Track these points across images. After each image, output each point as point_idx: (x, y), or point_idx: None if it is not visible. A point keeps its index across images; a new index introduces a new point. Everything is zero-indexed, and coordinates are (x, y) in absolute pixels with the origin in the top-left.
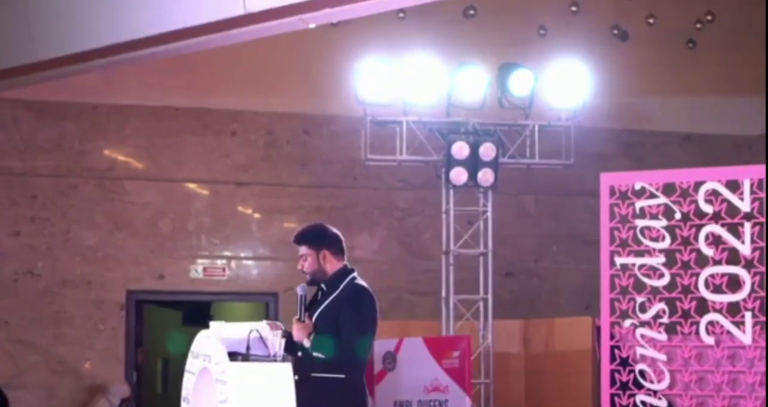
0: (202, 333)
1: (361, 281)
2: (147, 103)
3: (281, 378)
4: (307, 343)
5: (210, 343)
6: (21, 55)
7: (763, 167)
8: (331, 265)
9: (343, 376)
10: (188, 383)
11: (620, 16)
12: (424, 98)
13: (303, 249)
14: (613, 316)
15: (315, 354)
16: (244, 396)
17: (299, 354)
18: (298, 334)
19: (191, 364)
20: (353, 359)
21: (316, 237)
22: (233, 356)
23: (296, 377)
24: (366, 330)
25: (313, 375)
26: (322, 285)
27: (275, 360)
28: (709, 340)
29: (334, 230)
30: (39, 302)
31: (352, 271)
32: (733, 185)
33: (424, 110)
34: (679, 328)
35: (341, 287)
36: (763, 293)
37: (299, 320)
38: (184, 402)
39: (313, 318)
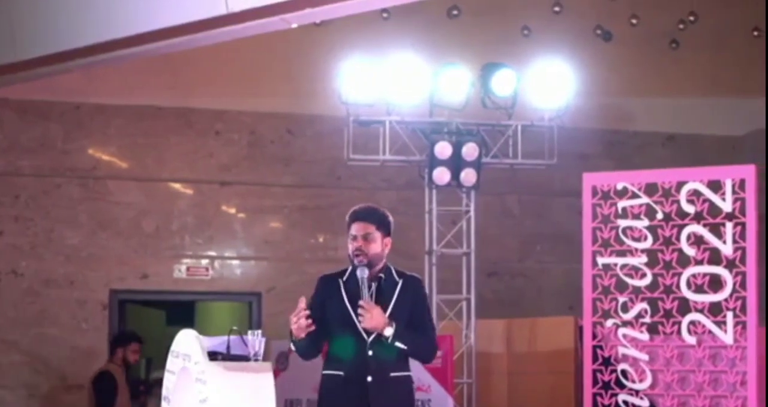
0: (183, 332)
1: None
2: (130, 102)
3: (261, 378)
4: (389, 331)
5: (190, 342)
6: (3, 55)
7: (745, 167)
8: (385, 255)
9: (411, 374)
10: (169, 382)
11: (603, 17)
12: (407, 98)
13: (369, 228)
14: (596, 316)
15: (397, 344)
16: (224, 395)
17: (370, 352)
18: (374, 321)
19: (172, 364)
20: (435, 354)
21: (387, 221)
22: (213, 355)
23: (369, 379)
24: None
25: (393, 374)
26: (381, 276)
27: (256, 360)
28: (690, 340)
29: None
30: (22, 302)
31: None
32: (715, 186)
33: (407, 110)
34: (661, 328)
35: (397, 278)
36: (744, 294)
37: (370, 304)
38: (165, 402)
39: (389, 310)
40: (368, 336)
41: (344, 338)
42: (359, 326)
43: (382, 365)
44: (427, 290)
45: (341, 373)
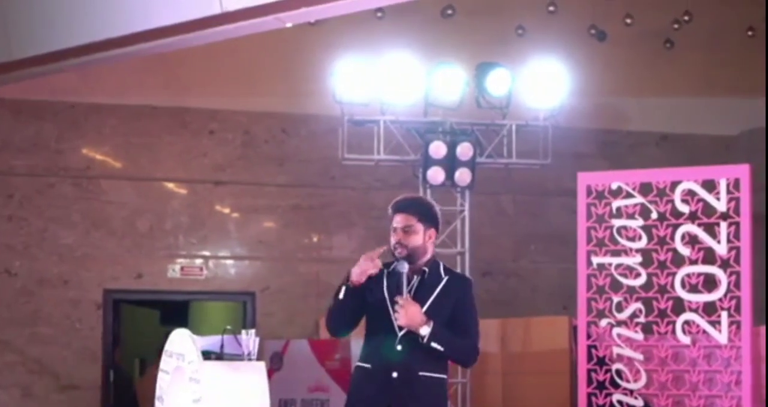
0: (177, 331)
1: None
2: (124, 102)
3: (255, 377)
4: (425, 330)
5: (184, 342)
6: None
7: (739, 166)
8: (430, 248)
9: (445, 376)
10: (162, 382)
11: (598, 16)
12: (402, 98)
13: (409, 220)
14: (590, 316)
15: (433, 344)
16: (217, 395)
17: (399, 348)
18: (410, 318)
19: (165, 363)
20: (477, 358)
21: (431, 212)
22: (207, 355)
23: (394, 374)
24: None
25: (422, 373)
26: (425, 270)
27: (249, 359)
28: (685, 340)
29: None
30: (16, 302)
31: (438, 259)
32: (710, 185)
33: (401, 110)
34: (655, 328)
35: (444, 274)
36: (739, 293)
37: (407, 299)
38: (159, 401)
39: (426, 307)
40: (400, 332)
41: (378, 330)
42: (394, 321)
43: (411, 362)
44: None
45: (369, 366)
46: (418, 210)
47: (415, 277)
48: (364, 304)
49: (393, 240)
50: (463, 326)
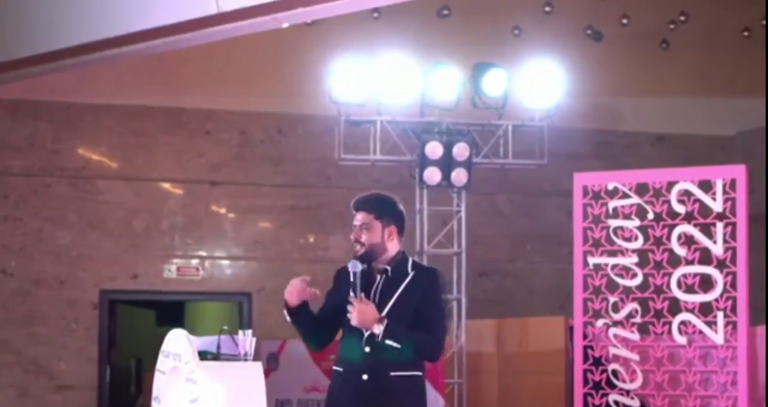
0: (173, 332)
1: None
2: (121, 102)
3: (252, 377)
4: (376, 329)
5: (180, 342)
6: None
7: (735, 167)
8: (392, 245)
9: (421, 374)
10: (159, 382)
11: (594, 17)
12: (398, 98)
13: (365, 217)
14: (586, 316)
15: (388, 342)
16: (214, 395)
17: (367, 349)
18: (363, 318)
19: (162, 363)
20: (441, 353)
21: (388, 208)
22: (203, 355)
23: (365, 377)
24: (446, 321)
25: (393, 373)
26: (387, 268)
27: (246, 360)
28: (681, 340)
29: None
30: (12, 302)
31: (408, 254)
32: (706, 186)
33: (397, 110)
34: (651, 328)
35: (410, 270)
36: (735, 294)
37: (358, 299)
38: (155, 402)
39: (388, 306)
40: (366, 333)
41: (347, 333)
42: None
43: (381, 363)
44: (442, 284)
45: (341, 370)
46: (375, 207)
47: (379, 276)
48: (335, 318)
49: (351, 238)
50: (426, 320)
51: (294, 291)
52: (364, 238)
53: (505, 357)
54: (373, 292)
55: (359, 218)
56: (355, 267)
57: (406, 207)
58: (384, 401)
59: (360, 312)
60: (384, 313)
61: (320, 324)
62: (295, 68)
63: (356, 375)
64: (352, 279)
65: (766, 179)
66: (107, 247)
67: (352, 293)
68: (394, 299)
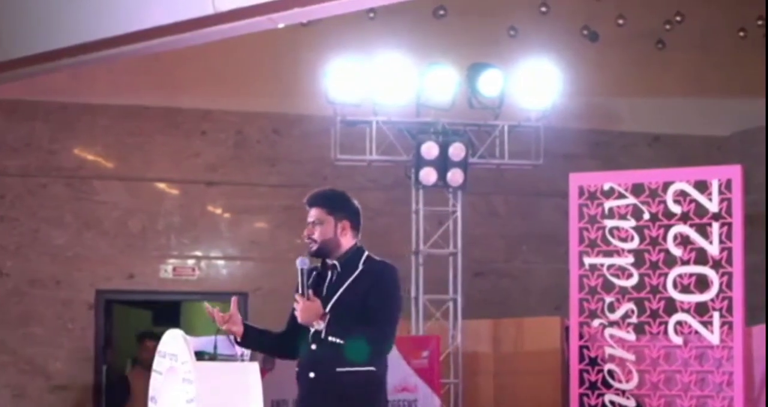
0: (169, 332)
1: (380, 258)
2: (117, 102)
3: (248, 378)
4: (318, 326)
5: (177, 342)
6: None
7: (731, 167)
8: (346, 240)
9: (374, 369)
10: (156, 382)
11: (590, 17)
12: (394, 98)
13: (318, 213)
14: (582, 316)
15: (330, 339)
16: (211, 395)
17: (313, 347)
18: (306, 315)
19: (159, 364)
20: (387, 347)
21: (339, 203)
22: (200, 355)
23: (312, 375)
24: (398, 313)
25: (339, 370)
26: (336, 263)
27: (242, 360)
28: (677, 340)
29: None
30: (7, 302)
31: (364, 249)
32: (702, 186)
33: (393, 110)
34: (647, 328)
35: (361, 265)
36: (730, 294)
37: (304, 297)
38: (152, 402)
39: (332, 302)
40: (312, 330)
41: (303, 333)
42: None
43: (327, 360)
44: (397, 279)
45: (297, 369)
46: (325, 202)
47: (331, 271)
48: (281, 332)
49: (304, 235)
50: (372, 313)
51: (222, 321)
52: (316, 234)
53: (501, 358)
54: (324, 288)
55: (312, 214)
56: (303, 264)
57: (402, 207)
58: (331, 398)
59: (303, 309)
60: (328, 309)
61: (286, 334)
62: (291, 68)
63: (305, 374)
64: (299, 277)
65: (767, 179)
66: (103, 247)
67: (300, 291)
68: (338, 295)
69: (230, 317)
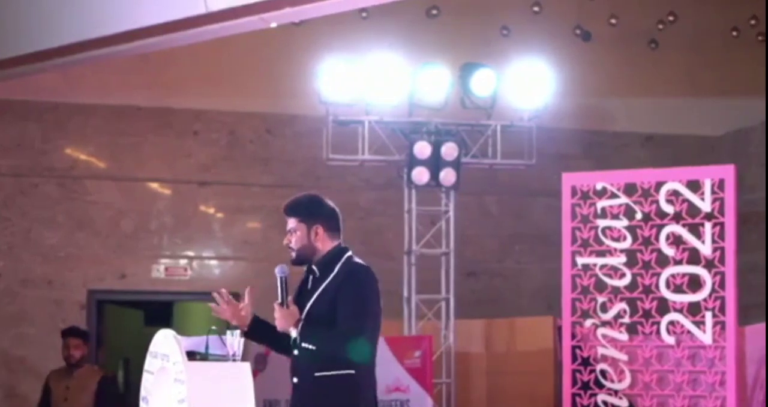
0: (161, 332)
1: (358, 260)
2: (109, 102)
3: (240, 378)
4: (293, 333)
5: (168, 343)
6: None
7: (724, 167)
8: (323, 244)
9: (353, 372)
10: (147, 383)
11: (583, 17)
12: (387, 98)
13: (292, 222)
14: (575, 316)
15: (304, 345)
16: (202, 395)
17: (295, 352)
18: (282, 322)
19: (150, 364)
20: (362, 349)
21: (310, 209)
22: (192, 355)
23: (295, 380)
24: (367, 315)
25: (318, 374)
26: (314, 268)
27: (234, 360)
28: (669, 340)
29: (331, 203)
30: None
31: (347, 250)
32: (695, 186)
33: (386, 110)
34: (640, 328)
35: (336, 269)
36: (723, 293)
37: (281, 305)
38: (143, 402)
39: (307, 307)
40: (293, 336)
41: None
42: None
43: (307, 365)
44: (370, 280)
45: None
46: (297, 211)
47: (311, 276)
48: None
49: (285, 244)
50: (338, 316)
51: (226, 313)
52: (292, 243)
53: (494, 357)
54: (286, 298)
55: (288, 223)
56: (281, 272)
57: (394, 207)
58: (310, 402)
59: (279, 317)
60: (304, 314)
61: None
62: (284, 68)
63: (291, 379)
64: (278, 284)
65: (766, 178)
66: (95, 247)
67: (279, 299)
68: (312, 300)
69: (244, 307)
